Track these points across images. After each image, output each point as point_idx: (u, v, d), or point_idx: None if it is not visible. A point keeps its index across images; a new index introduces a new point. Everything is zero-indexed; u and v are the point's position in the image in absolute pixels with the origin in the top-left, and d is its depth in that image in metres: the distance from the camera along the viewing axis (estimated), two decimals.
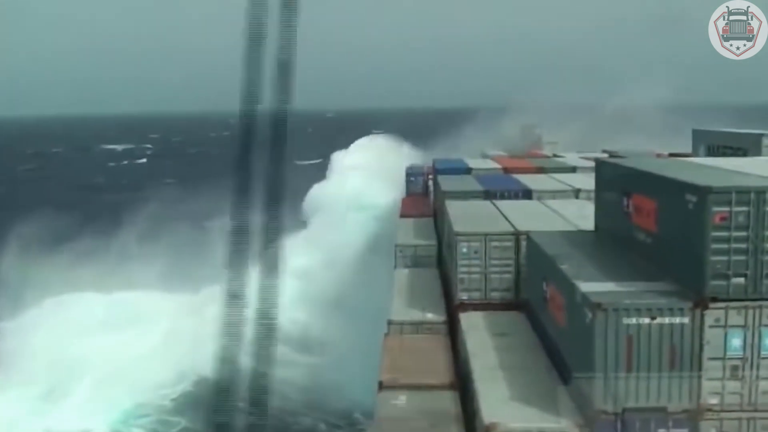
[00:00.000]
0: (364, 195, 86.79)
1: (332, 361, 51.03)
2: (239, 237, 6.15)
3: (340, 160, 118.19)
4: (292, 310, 55.66)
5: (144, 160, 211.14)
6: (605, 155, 55.85)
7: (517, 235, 26.62)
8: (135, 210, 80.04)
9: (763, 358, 16.20)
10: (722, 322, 16.07)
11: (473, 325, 24.05)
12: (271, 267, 6.05)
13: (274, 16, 6.14)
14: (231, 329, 6.03)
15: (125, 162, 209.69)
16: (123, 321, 55.35)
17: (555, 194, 36.36)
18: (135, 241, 70.14)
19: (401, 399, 20.46)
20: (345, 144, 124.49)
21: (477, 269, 26.61)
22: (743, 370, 16.16)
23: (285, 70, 6.14)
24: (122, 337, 52.97)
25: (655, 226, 18.86)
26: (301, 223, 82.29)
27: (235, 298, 5.96)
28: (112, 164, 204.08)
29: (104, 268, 62.56)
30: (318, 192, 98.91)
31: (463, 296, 26.51)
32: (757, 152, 46.43)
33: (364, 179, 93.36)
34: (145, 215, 76.22)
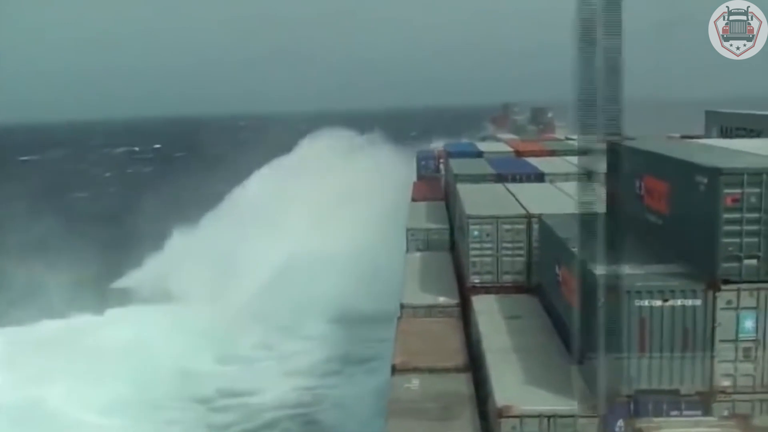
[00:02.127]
0: None
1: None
2: None
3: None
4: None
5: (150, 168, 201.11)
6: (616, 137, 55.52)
7: (528, 217, 26.61)
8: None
9: None
10: (734, 304, 16.05)
11: (485, 308, 24.09)
12: None
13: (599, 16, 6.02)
14: None
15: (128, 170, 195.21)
16: None
17: (567, 177, 36.22)
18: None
19: (414, 382, 20.53)
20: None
21: (489, 252, 26.62)
22: (756, 351, 16.15)
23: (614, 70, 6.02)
24: None
25: (666, 208, 18.81)
26: None
27: None
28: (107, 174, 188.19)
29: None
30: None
31: (475, 279, 26.54)
32: None
33: None
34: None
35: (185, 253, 68.77)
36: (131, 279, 69.06)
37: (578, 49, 5.94)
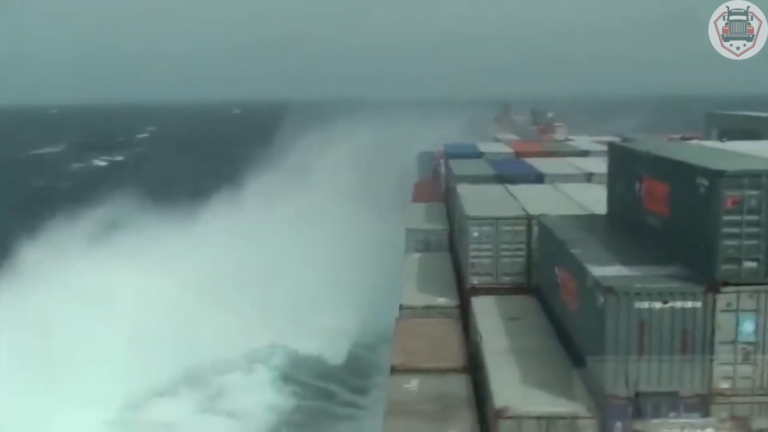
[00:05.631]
0: None
1: None
2: None
3: None
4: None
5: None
6: (617, 139, 55.69)
7: (528, 219, 26.58)
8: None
9: None
10: (734, 307, 16.03)
11: (485, 309, 24.06)
12: None
13: None
14: None
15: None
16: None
17: (567, 178, 36.23)
18: None
19: (413, 383, 20.52)
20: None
21: (488, 253, 26.60)
22: (755, 354, 16.15)
23: None
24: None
25: (667, 210, 18.81)
26: None
27: None
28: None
29: None
30: None
31: (474, 280, 26.52)
32: None
33: None
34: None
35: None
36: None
37: None
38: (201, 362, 47.63)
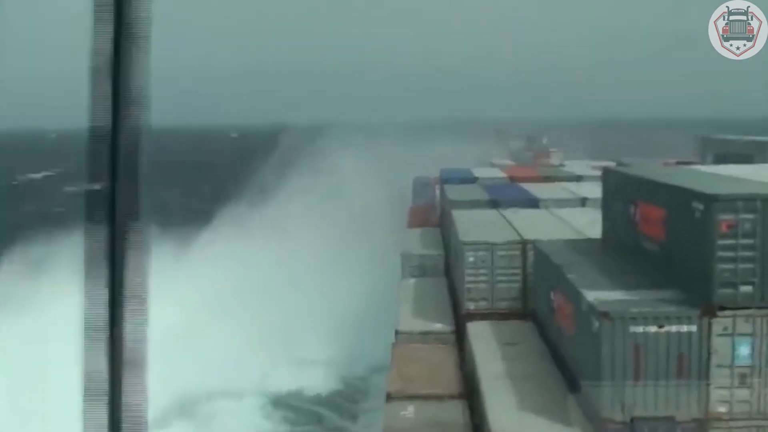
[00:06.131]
0: None
1: None
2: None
3: None
4: None
5: None
6: (613, 164, 55.81)
7: (523, 244, 26.59)
8: None
9: None
10: (730, 331, 16.00)
11: (481, 335, 24.01)
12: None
13: None
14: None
15: None
16: None
17: (561, 203, 36.32)
18: None
19: (409, 410, 20.41)
20: None
21: (484, 278, 26.57)
22: (752, 378, 16.11)
23: None
24: None
25: (662, 234, 18.84)
26: None
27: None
28: None
29: None
30: None
31: (470, 306, 26.48)
32: (765, 159, 46.43)
33: None
34: None
35: None
36: None
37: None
38: (190, 388, 47.23)
